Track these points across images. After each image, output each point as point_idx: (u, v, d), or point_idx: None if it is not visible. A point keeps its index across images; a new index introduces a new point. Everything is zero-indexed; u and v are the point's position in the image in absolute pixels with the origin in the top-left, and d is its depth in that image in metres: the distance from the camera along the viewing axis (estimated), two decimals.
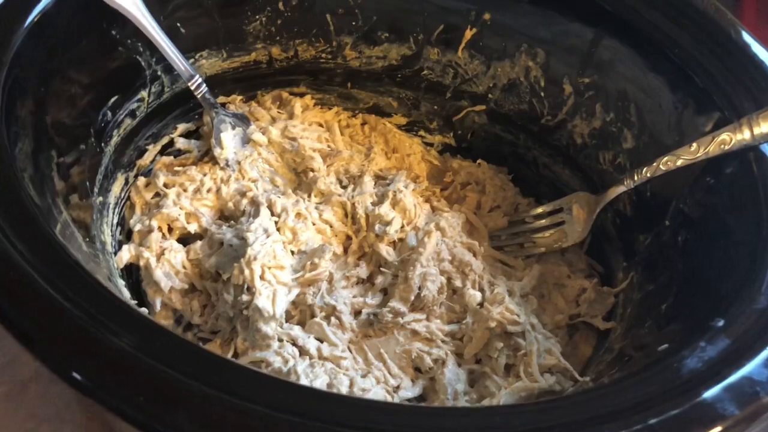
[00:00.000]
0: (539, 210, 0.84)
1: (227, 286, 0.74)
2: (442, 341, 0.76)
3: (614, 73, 0.77)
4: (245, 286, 0.72)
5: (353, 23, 0.85)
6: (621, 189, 0.75)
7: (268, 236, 0.74)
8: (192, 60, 0.81)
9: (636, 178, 0.72)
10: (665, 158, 0.70)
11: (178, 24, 0.77)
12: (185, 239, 0.81)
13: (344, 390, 0.69)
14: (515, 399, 0.71)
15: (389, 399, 0.72)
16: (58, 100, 0.67)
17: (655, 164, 0.70)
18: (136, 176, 0.81)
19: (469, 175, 0.90)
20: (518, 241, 0.84)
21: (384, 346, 0.76)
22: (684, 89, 0.71)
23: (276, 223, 0.78)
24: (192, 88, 0.78)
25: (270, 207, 0.79)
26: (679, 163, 0.69)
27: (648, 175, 0.71)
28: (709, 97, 0.68)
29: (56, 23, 0.66)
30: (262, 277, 0.72)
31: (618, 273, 0.79)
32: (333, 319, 0.75)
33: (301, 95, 0.91)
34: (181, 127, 0.86)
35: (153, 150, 0.83)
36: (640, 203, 0.77)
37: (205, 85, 0.79)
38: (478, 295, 0.77)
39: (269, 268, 0.73)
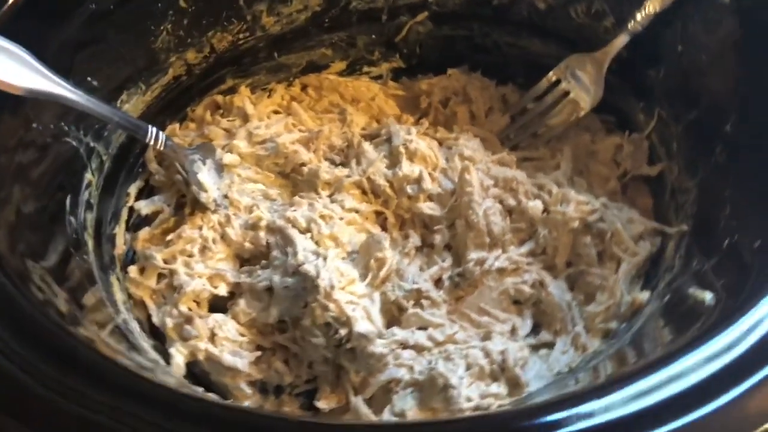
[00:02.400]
0: (536, 91, 0.79)
1: (310, 330, 0.64)
2: (528, 264, 0.72)
3: None
4: (333, 321, 0.63)
5: None
6: (625, 38, 0.71)
7: (324, 258, 0.64)
8: None
9: (640, 18, 0.69)
10: None
11: (89, 78, 0.61)
12: (213, 303, 0.69)
13: (485, 363, 0.64)
14: (632, 277, 0.70)
15: (518, 347, 0.67)
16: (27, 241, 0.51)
17: None
18: (122, 270, 0.67)
19: (444, 90, 0.82)
20: (531, 131, 0.79)
21: (480, 299, 0.70)
22: None
23: (311, 238, 0.68)
24: (151, 143, 0.63)
25: (294, 226, 0.69)
26: None
27: (656, 10, 0.68)
28: None
29: None
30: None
31: (637, 115, 0.77)
32: (423, 301, 0.68)
33: (232, 90, 0.78)
34: (132, 190, 0.71)
35: (120, 231, 0.69)
36: (633, 40, 0.74)
37: (162, 132, 0.64)
38: (539, 204, 0.72)
39: (342, 288, 0.64)
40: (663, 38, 0.71)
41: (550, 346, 0.68)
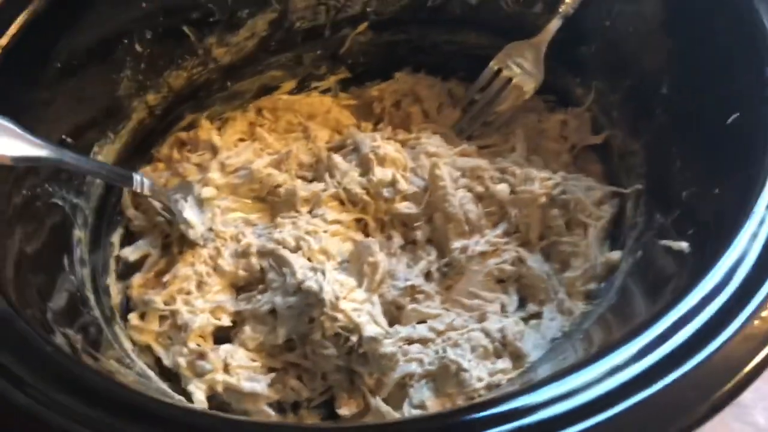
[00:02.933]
0: (481, 82, 0.83)
1: (320, 343, 0.66)
2: (505, 244, 0.76)
3: None
4: (342, 330, 0.66)
5: (211, 19, 0.73)
6: (559, 22, 0.77)
7: (323, 272, 0.67)
8: None
9: (570, 1, 0.74)
10: None
11: (63, 135, 0.61)
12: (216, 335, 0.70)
13: (487, 343, 0.68)
14: (601, 241, 0.75)
15: (513, 321, 0.71)
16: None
17: None
18: (122, 319, 0.67)
19: (394, 93, 0.86)
20: (482, 120, 0.84)
21: (468, 284, 0.74)
22: None
23: (302, 255, 0.70)
24: (138, 190, 0.63)
25: (284, 246, 0.70)
26: None
27: None
28: None
29: None
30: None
31: (575, 90, 0.83)
32: (418, 296, 0.72)
33: (192, 125, 0.79)
34: (115, 239, 0.71)
35: (112, 282, 0.69)
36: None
37: (146, 178, 0.64)
38: (505, 187, 0.77)
39: (345, 298, 0.67)
40: (590, 16, 0.77)
41: (538, 316, 0.73)
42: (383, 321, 0.68)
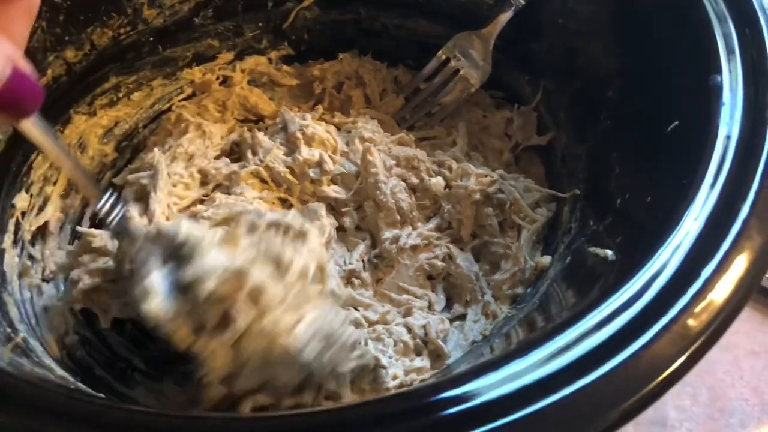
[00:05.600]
0: (426, 71, 0.80)
1: None
2: (437, 239, 0.73)
3: None
4: None
5: None
6: (509, 14, 0.74)
7: None
8: None
9: None
10: None
11: None
12: None
13: (408, 338, 0.65)
14: (533, 244, 0.72)
15: (438, 319, 0.68)
16: None
17: None
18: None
19: (337, 75, 0.82)
20: (425, 110, 0.81)
21: (398, 278, 0.71)
22: None
23: None
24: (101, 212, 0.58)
25: None
26: None
27: None
28: None
29: None
30: None
31: (523, 88, 0.80)
32: (355, 280, 0.69)
33: (116, 88, 0.74)
34: (19, 203, 0.66)
35: (8, 245, 0.64)
36: (516, 17, 0.76)
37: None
38: (440, 180, 0.74)
39: None
40: (543, 13, 0.74)
41: (463, 317, 0.71)
42: None
